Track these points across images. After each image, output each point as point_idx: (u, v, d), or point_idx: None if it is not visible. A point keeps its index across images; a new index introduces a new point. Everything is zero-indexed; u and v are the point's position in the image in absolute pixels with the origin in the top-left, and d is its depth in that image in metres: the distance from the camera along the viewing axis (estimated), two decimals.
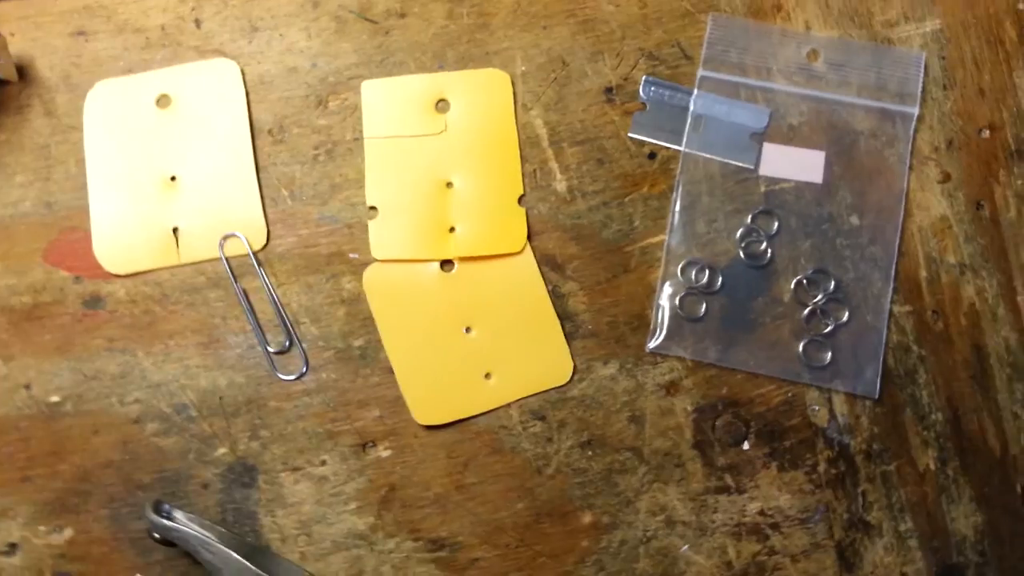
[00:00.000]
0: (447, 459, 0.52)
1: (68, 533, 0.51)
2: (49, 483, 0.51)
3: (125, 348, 0.52)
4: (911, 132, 0.53)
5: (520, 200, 0.53)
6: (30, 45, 0.54)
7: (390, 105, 0.53)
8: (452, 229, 0.53)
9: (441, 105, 0.53)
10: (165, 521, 0.48)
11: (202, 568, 0.49)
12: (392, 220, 0.52)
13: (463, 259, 0.52)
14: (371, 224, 0.52)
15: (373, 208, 0.53)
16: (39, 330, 0.52)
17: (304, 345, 0.52)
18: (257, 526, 0.51)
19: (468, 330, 0.52)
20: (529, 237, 0.53)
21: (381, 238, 0.52)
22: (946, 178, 0.53)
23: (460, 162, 0.53)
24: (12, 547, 0.51)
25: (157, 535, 0.49)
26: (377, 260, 0.52)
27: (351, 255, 0.53)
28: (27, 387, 0.52)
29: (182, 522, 0.49)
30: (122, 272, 0.52)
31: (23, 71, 0.54)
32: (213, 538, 0.48)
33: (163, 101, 0.54)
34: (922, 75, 0.53)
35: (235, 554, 0.47)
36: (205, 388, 0.52)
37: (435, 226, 0.52)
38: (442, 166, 0.53)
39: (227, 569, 0.47)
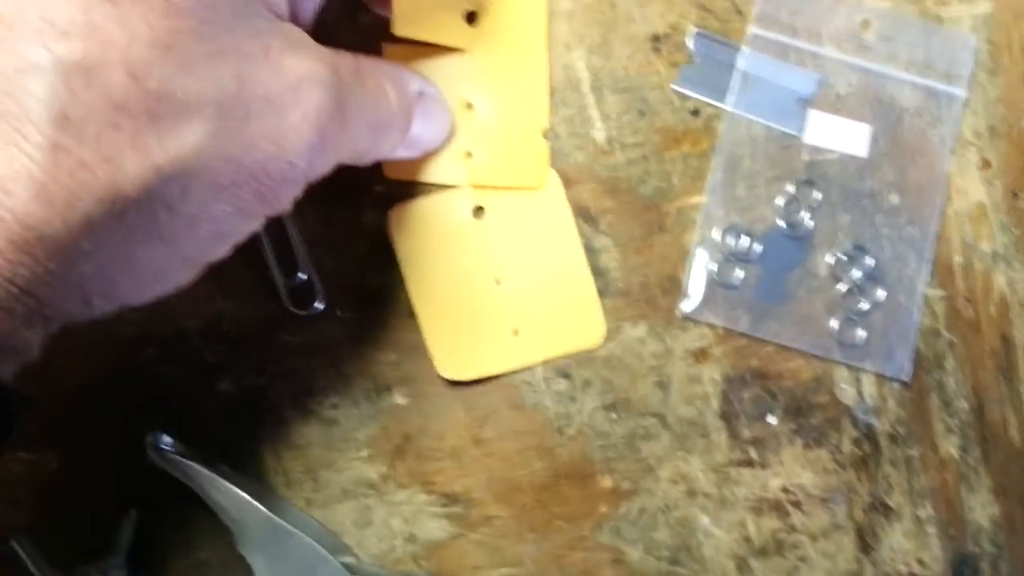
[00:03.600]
0: (465, 411, 0.49)
1: (54, 463, 0.47)
2: (36, 408, 0.47)
3: None
4: (956, 115, 0.52)
5: (545, 135, 0.50)
6: None
7: (420, 7, 0.49)
8: (469, 154, 0.49)
9: (470, 17, 0.50)
10: (172, 454, 0.45)
11: (202, 505, 0.45)
12: None
13: (479, 188, 0.49)
14: None
15: None
16: None
17: (319, 280, 0.49)
18: (260, 468, 0.48)
19: (498, 282, 0.49)
20: (565, 188, 0.50)
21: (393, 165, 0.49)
22: (986, 165, 0.52)
23: (483, 84, 0.49)
24: None
25: (159, 467, 0.45)
26: (390, 175, 0.49)
27: (375, 187, 0.49)
28: None
29: (187, 457, 0.45)
30: None
31: None
32: (220, 477, 0.45)
33: None
34: (972, 58, 0.52)
35: (244, 494, 0.44)
36: (210, 315, 0.48)
37: (450, 148, 0.49)
38: (463, 85, 0.49)
39: (234, 509, 0.44)
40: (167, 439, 0.45)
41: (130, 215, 0.31)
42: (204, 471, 0.44)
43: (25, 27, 0.29)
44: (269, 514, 0.44)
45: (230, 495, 0.44)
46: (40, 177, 0.29)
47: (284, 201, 0.37)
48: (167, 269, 0.34)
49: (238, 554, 0.45)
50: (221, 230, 0.35)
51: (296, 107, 0.35)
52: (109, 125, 0.30)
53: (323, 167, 0.38)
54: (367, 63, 0.41)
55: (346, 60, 0.39)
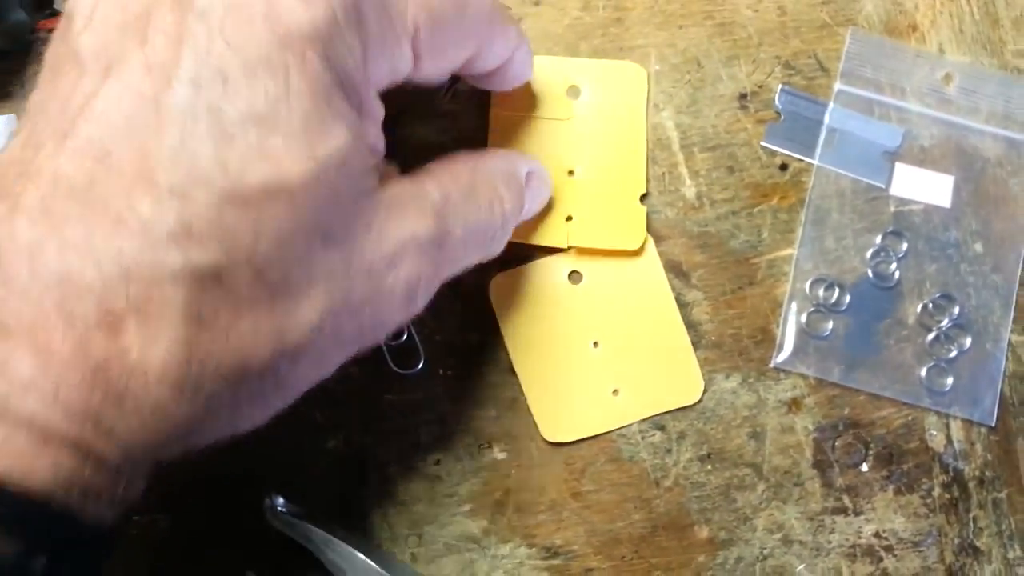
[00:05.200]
0: (564, 465, 0.50)
1: (165, 524, 0.48)
2: None
3: None
4: None
5: (642, 199, 0.51)
6: None
7: (525, 88, 0.51)
8: (569, 218, 0.51)
9: (572, 91, 0.51)
10: (289, 516, 0.46)
11: (318, 566, 0.46)
12: None
13: (580, 251, 0.51)
14: None
15: None
16: None
17: (420, 340, 0.50)
18: (367, 524, 0.49)
19: (596, 344, 0.51)
20: (656, 244, 0.51)
21: None
22: None
23: (584, 152, 0.51)
24: None
25: (277, 528, 0.46)
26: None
27: None
28: None
29: (304, 518, 0.46)
30: None
31: None
32: (336, 538, 0.46)
33: None
34: None
35: (361, 554, 0.45)
36: None
37: (552, 212, 0.50)
38: (565, 153, 0.51)
39: (351, 570, 0.45)
40: (283, 501, 0.47)
41: (244, 388, 0.33)
42: (321, 532, 0.45)
43: (161, 230, 0.30)
44: (385, 574, 0.45)
45: (347, 556, 0.45)
46: (173, 368, 0.31)
47: (380, 339, 0.40)
48: (267, 412, 0.37)
49: None
50: (319, 376, 0.38)
51: (392, 274, 0.37)
52: (234, 316, 0.32)
53: (423, 303, 0.41)
54: (483, 169, 0.43)
55: (461, 176, 0.41)
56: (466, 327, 0.50)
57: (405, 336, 0.50)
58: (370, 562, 0.45)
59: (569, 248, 0.51)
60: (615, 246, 0.50)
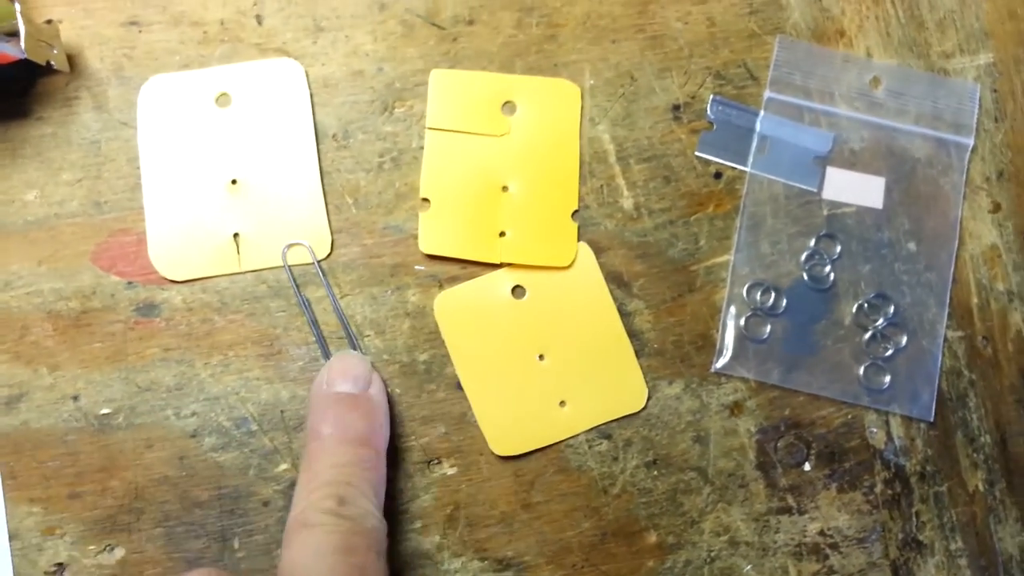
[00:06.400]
0: (513, 477, 0.51)
1: (119, 553, 0.49)
2: (99, 500, 0.49)
3: (181, 359, 0.50)
4: (965, 162, 0.54)
5: (574, 215, 0.52)
6: (79, 34, 0.51)
7: (456, 98, 0.52)
8: (502, 234, 0.51)
9: (507, 107, 0.52)
10: None
11: None
12: (444, 215, 0.51)
13: (519, 266, 0.51)
14: (422, 216, 0.51)
15: (425, 200, 0.51)
16: (88, 338, 0.50)
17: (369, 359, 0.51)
18: None
19: (541, 357, 0.51)
20: (596, 256, 0.52)
21: (431, 232, 0.51)
22: (996, 208, 0.54)
23: (518, 168, 0.52)
24: (60, 567, 0.48)
25: None
26: (424, 254, 0.51)
27: (416, 267, 0.51)
28: (75, 398, 0.49)
29: None
30: (179, 278, 0.50)
31: (71, 61, 0.51)
32: None
33: (223, 100, 0.51)
34: (977, 107, 0.54)
35: None
36: (266, 401, 0.50)
37: (486, 228, 0.52)
38: (500, 169, 0.52)
39: None
40: None
41: None
42: None
43: None
44: None
45: None
46: None
47: None
48: None
49: None
50: None
51: None
52: None
53: None
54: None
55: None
56: (414, 346, 0.51)
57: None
58: None
59: (502, 264, 0.51)
60: (547, 263, 0.51)
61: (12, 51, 0.47)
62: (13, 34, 0.47)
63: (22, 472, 0.49)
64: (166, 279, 0.50)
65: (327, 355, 0.50)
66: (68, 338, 0.50)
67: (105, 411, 0.49)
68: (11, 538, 0.48)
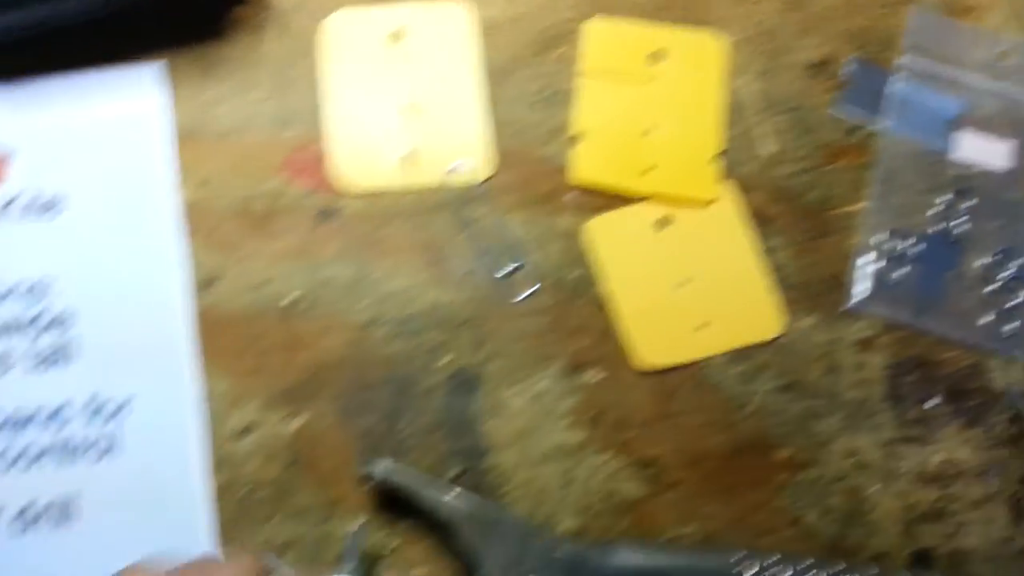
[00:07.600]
0: (653, 390, 0.55)
1: (299, 421, 0.53)
2: (281, 375, 0.54)
3: (356, 260, 0.55)
4: None
5: (716, 157, 0.57)
6: None
7: (607, 47, 0.58)
8: (648, 171, 0.57)
9: (655, 56, 0.58)
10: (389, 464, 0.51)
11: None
12: (593, 152, 0.57)
13: (664, 199, 0.57)
14: (574, 150, 0.57)
15: (577, 136, 0.57)
16: (272, 236, 0.55)
17: (526, 273, 0.55)
18: (476, 434, 0.54)
19: (683, 283, 0.56)
20: (738, 195, 0.56)
21: (582, 164, 0.57)
22: None
23: (665, 113, 0.58)
24: (246, 430, 0.53)
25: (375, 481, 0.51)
26: (577, 184, 0.57)
27: (567, 195, 0.56)
28: (262, 286, 0.55)
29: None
30: (356, 190, 0.56)
31: None
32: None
33: (398, 34, 0.58)
34: None
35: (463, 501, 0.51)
36: (431, 302, 0.55)
37: (632, 165, 0.57)
38: (647, 113, 0.58)
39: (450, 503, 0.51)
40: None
41: None
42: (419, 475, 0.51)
43: None
44: (480, 499, 0.51)
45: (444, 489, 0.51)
46: None
47: None
48: None
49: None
50: None
51: None
52: None
53: None
54: None
55: None
56: (564, 265, 0.56)
57: (513, 270, 0.55)
58: (474, 505, 0.51)
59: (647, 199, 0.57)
60: (691, 195, 0.57)
61: None
62: None
63: (214, 346, 0.54)
64: (344, 191, 0.56)
65: (488, 265, 0.55)
66: (256, 234, 0.55)
67: (288, 300, 0.55)
68: (205, 401, 0.53)
